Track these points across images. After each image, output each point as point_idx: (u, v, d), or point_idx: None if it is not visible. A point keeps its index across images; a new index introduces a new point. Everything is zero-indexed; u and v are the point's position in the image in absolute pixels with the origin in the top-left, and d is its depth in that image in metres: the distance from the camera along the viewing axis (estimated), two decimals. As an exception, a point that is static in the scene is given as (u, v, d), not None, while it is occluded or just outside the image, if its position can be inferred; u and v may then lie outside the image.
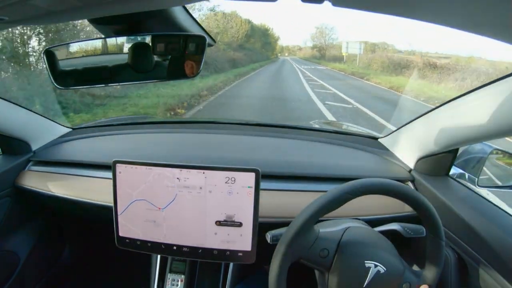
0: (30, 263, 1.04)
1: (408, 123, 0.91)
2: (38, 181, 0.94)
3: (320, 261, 0.55)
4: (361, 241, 0.56)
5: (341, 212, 0.67)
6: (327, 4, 0.33)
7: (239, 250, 0.71)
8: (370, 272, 0.54)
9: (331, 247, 0.55)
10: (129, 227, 0.74)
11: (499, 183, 0.90)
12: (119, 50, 0.67)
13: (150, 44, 0.64)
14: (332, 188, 0.54)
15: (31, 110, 0.99)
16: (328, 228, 0.58)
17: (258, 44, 25.98)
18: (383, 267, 0.54)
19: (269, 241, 0.60)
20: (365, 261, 0.54)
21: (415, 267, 0.68)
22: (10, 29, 4.07)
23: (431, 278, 0.57)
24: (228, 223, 0.70)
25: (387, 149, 1.02)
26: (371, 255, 0.55)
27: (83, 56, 0.68)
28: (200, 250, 0.72)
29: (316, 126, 1.60)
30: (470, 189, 0.80)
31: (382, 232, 0.62)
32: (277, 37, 34.88)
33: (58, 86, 0.66)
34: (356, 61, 22.35)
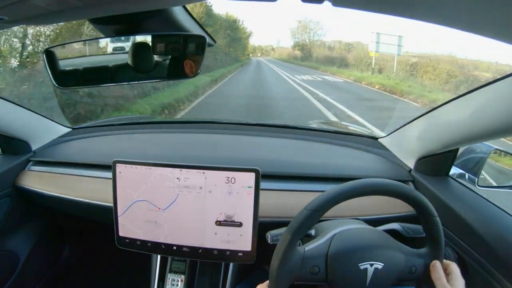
0: (30, 263, 1.04)
1: (408, 123, 0.91)
2: (38, 181, 0.94)
3: (314, 278, 0.54)
4: (350, 246, 0.55)
5: (341, 212, 0.67)
6: (327, 4, 0.33)
7: (239, 250, 0.71)
8: (367, 272, 0.53)
9: (320, 262, 0.54)
10: (130, 227, 0.74)
11: (499, 184, 0.90)
12: (102, 52, 0.67)
13: (150, 44, 0.64)
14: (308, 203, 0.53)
15: (31, 110, 0.99)
16: (314, 243, 0.56)
17: (222, 40, 18.18)
18: (380, 263, 0.53)
19: (269, 241, 0.60)
20: (359, 264, 0.53)
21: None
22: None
23: (436, 253, 0.56)
24: (228, 223, 0.70)
25: (387, 149, 1.02)
26: (364, 256, 0.54)
27: (83, 56, 0.68)
28: (200, 250, 0.72)
29: (316, 126, 1.60)
30: (470, 189, 0.80)
31: None
32: (249, 33, 26.18)
33: (58, 86, 0.67)
34: (380, 66, 13.00)
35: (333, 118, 5.68)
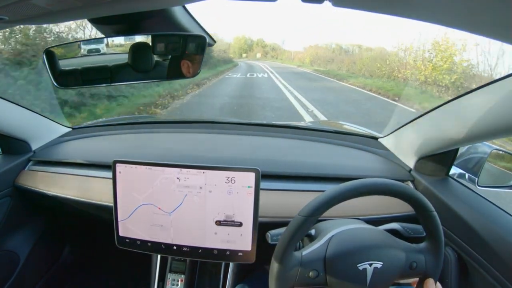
0: (30, 263, 1.04)
1: (408, 123, 0.91)
2: (38, 181, 0.94)
3: (314, 282, 0.54)
4: (347, 247, 0.55)
5: (342, 212, 0.67)
6: (327, 4, 0.33)
7: (239, 250, 0.71)
8: (367, 272, 0.53)
9: (318, 266, 0.54)
10: (134, 230, 0.74)
11: (499, 183, 0.90)
12: (75, 54, 0.67)
13: (150, 44, 0.64)
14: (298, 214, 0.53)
15: (31, 110, 0.99)
16: (311, 247, 0.56)
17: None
18: (379, 262, 0.53)
19: (269, 241, 0.60)
20: (358, 265, 0.53)
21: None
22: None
23: (436, 247, 0.56)
24: (228, 223, 0.70)
25: (387, 149, 1.02)
26: (362, 257, 0.54)
27: (83, 56, 0.68)
28: (200, 250, 0.72)
29: (316, 126, 1.60)
30: (470, 189, 0.80)
31: None
32: None
33: (58, 86, 0.67)
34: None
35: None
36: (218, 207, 0.70)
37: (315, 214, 0.52)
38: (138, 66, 0.67)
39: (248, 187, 0.68)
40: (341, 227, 0.59)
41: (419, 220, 0.56)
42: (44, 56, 0.64)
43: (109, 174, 0.75)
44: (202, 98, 7.07)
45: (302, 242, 0.62)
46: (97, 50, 0.66)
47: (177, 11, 0.60)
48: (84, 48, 0.67)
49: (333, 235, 0.57)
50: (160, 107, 5.84)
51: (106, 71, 0.67)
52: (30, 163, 1.00)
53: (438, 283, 0.57)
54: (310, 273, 0.53)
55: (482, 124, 0.60)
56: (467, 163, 0.86)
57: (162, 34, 0.65)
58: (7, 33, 3.93)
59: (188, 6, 0.62)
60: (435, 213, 0.54)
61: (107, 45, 0.66)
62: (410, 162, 0.90)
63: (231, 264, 0.85)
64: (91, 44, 0.66)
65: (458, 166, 0.86)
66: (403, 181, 0.87)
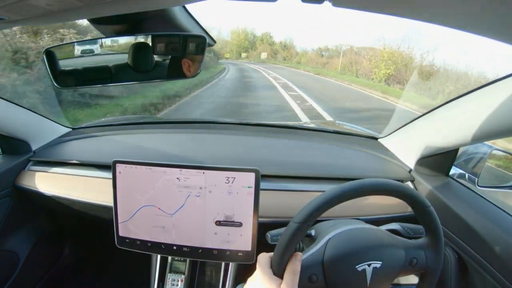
0: (30, 263, 1.04)
1: (408, 123, 0.91)
2: (38, 181, 0.94)
3: (313, 286, 0.54)
4: (345, 249, 0.55)
5: (341, 212, 0.67)
6: (327, 4, 0.33)
7: (239, 250, 0.71)
8: (366, 273, 0.53)
9: (317, 270, 0.54)
10: (136, 231, 0.74)
11: (499, 184, 0.90)
12: (70, 55, 0.67)
13: (150, 44, 0.64)
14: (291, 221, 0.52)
15: (31, 110, 0.99)
16: (309, 251, 0.56)
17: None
18: (378, 262, 0.53)
19: (269, 241, 0.60)
20: (357, 266, 0.53)
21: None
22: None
23: (435, 243, 0.56)
24: (228, 223, 0.70)
25: (387, 149, 1.02)
26: (360, 258, 0.54)
27: (82, 56, 0.68)
28: (200, 250, 0.72)
29: (316, 126, 1.60)
30: (470, 189, 0.80)
31: None
32: None
33: (58, 86, 0.66)
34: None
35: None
36: (218, 207, 0.70)
37: (309, 220, 0.51)
38: (138, 66, 0.67)
39: (248, 187, 0.68)
40: (339, 228, 0.59)
41: (417, 217, 0.56)
42: (44, 57, 0.64)
43: (109, 174, 0.75)
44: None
45: (302, 242, 0.62)
46: (91, 51, 0.67)
47: (177, 11, 0.60)
48: (78, 48, 0.67)
49: (330, 238, 0.57)
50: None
51: (106, 71, 0.67)
52: (30, 163, 1.00)
53: None
54: (310, 278, 0.53)
55: (482, 124, 0.60)
56: (467, 163, 0.86)
57: (162, 34, 0.65)
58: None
59: (188, 6, 0.62)
60: (431, 208, 0.54)
61: (101, 45, 0.66)
62: (410, 162, 0.90)
63: (231, 264, 0.85)
64: (85, 44, 0.66)
65: (458, 166, 0.87)
66: (403, 181, 0.88)
